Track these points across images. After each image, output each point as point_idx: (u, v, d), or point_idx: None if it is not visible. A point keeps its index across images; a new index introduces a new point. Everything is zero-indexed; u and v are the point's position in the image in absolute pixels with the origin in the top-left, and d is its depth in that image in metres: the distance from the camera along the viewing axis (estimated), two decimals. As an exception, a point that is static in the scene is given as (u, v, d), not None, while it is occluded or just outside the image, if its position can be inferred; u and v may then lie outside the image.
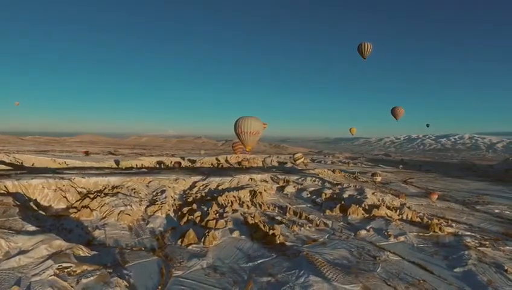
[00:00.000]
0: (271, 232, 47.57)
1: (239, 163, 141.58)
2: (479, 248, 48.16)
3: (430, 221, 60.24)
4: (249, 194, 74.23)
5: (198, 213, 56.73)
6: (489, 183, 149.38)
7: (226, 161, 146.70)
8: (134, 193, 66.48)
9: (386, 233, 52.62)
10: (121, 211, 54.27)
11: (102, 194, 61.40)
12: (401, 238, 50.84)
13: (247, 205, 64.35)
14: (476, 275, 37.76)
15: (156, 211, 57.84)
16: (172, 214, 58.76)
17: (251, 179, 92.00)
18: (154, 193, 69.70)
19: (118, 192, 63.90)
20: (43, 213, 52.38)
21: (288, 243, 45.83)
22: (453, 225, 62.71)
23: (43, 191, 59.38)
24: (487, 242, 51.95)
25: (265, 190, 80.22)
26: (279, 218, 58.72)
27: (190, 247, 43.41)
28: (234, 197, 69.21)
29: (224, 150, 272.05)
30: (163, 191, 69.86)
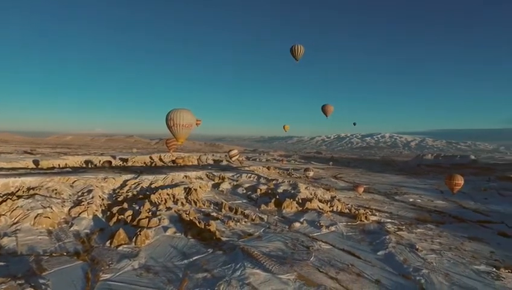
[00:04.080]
0: (207, 228, 47.58)
1: (173, 161, 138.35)
2: (397, 232, 54.57)
3: (357, 211, 66.26)
4: (183, 191, 73.12)
5: (129, 212, 53.93)
6: (405, 177, 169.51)
7: (160, 159, 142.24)
8: (56, 193, 60.39)
9: (318, 224, 56.32)
10: (38, 214, 48.74)
11: (15, 197, 54.48)
12: (332, 228, 54.99)
13: (182, 203, 63.23)
14: (395, 256, 42.74)
15: (82, 212, 53.38)
16: (100, 215, 54.82)
17: (186, 176, 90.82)
18: (79, 193, 64.21)
19: (35, 193, 57.39)
20: None
21: (224, 238, 46.27)
22: (377, 213, 70.05)
23: None
24: (403, 227, 59.31)
25: (200, 187, 79.98)
26: (214, 214, 58.97)
27: (120, 248, 41.07)
28: (168, 194, 67.54)
29: (158, 148, 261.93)
30: (90, 191, 64.74)
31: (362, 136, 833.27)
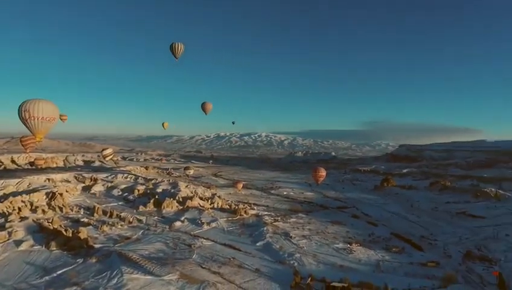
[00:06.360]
0: (76, 236, 42.18)
1: (32, 163, 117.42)
2: (273, 223, 59.78)
3: (237, 207, 69.62)
4: (45, 196, 63.55)
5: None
6: (280, 172, 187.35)
7: (13, 161, 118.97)
8: None
9: (199, 221, 56.85)
10: None
11: None
12: (213, 225, 56.34)
13: (43, 210, 54.71)
14: (272, 245, 46.77)
15: None
16: None
17: (48, 179, 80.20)
18: None
19: None
20: None
21: (97, 245, 41.94)
22: (255, 207, 75.13)
23: None
24: (279, 218, 65.45)
25: (67, 191, 70.95)
26: (85, 220, 53.23)
27: None
28: (24, 202, 57.57)
29: (9, 149, 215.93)
30: None
31: (241, 135, 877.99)
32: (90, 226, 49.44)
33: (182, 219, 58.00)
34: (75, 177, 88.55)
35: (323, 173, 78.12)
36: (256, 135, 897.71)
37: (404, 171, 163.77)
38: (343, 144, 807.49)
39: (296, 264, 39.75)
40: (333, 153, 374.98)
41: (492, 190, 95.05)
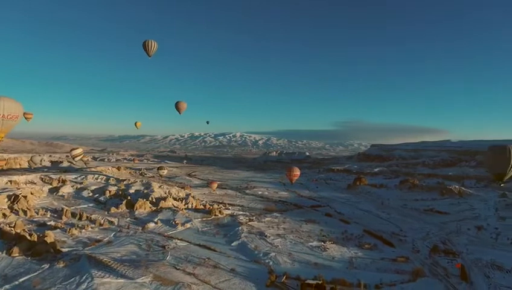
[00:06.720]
0: (42, 240, 40.22)
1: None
2: (248, 223, 59.92)
3: (211, 207, 69.18)
4: (6, 199, 60.17)
5: None
6: (255, 172, 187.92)
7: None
8: None
9: (173, 222, 56.00)
10: None
11: None
12: (188, 225, 55.70)
13: (5, 214, 51.88)
14: (247, 244, 46.85)
15: None
16: None
17: (11, 181, 76.20)
18: None
19: None
20: None
21: (65, 249, 40.26)
22: (230, 207, 75.04)
23: None
24: (254, 217, 65.68)
25: (32, 193, 67.60)
26: (52, 223, 50.99)
27: None
28: (-20, 206, 53.88)
29: None
30: None
31: (215, 135, 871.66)
32: (58, 230, 47.49)
33: (156, 220, 56.96)
34: (41, 179, 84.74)
35: (297, 172, 79.19)
36: (230, 135, 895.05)
37: (376, 170, 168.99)
38: (317, 143, 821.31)
39: (271, 263, 40.06)
40: (307, 153, 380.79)
41: (456, 187, 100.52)
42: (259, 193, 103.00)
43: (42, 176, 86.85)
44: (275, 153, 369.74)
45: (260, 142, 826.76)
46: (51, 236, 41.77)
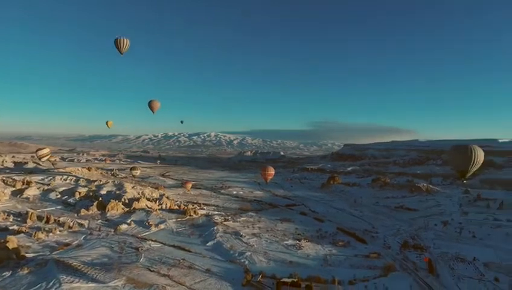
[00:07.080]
0: (3, 246, 38.10)
1: None
2: (224, 223, 59.79)
3: (186, 207, 68.37)
4: (-40, 204, 56.12)
5: None
6: (229, 172, 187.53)
7: None
8: None
9: (147, 223, 54.96)
10: None
11: None
12: (162, 226, 54.82)
13: (-42, 219, 48.43)
14: (222, 244, 46.77)
15: None
16: None
17: None
18: None
19: None
20: None
21: (30, 255, 38.43)
22: (205, 207, 74.47)
23: None
24: (229, 217, 65.61)
25: (-9, 197, 63.66)
26: (15, 227, 48.43)
27: None
28: None
29: None
30: None
31: (189, 135, 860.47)
32: (22, 234, 45.25)
33: (128, 221, 55.70)
34: (3, 181, 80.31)
35: (272, 172, 79.72)
36: (205, 135, 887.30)
37: (349, 169, 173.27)
38: (291, 143, 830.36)
39: (246, 262, 40.20)
40: (282, 153, 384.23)
41: (424, 185, 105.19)
42: (234, 192, 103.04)
43: (4, 178, 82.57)
44: (249, 152, 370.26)
45: (235, 142, 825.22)
46: (13, 241, 39.50)
